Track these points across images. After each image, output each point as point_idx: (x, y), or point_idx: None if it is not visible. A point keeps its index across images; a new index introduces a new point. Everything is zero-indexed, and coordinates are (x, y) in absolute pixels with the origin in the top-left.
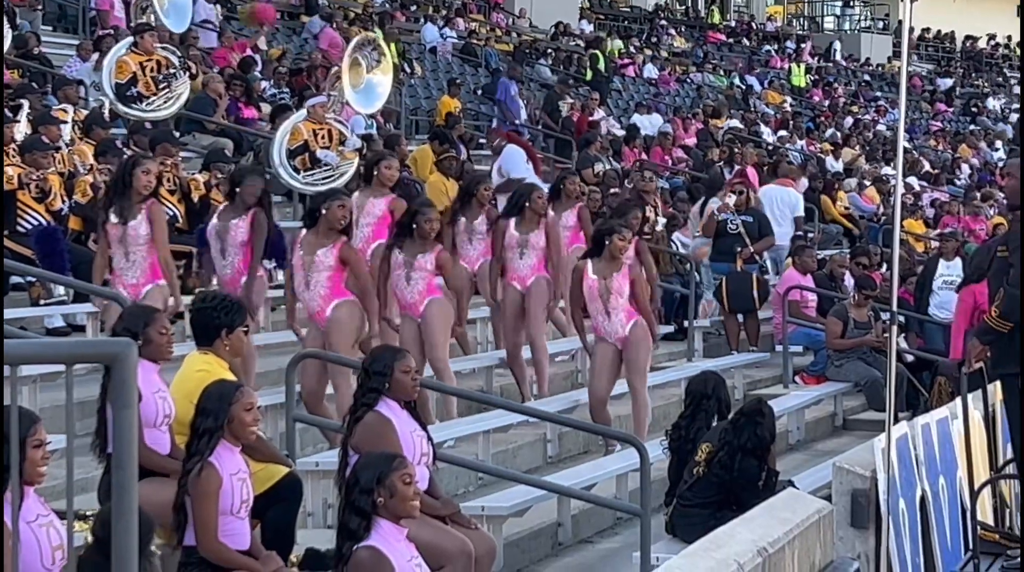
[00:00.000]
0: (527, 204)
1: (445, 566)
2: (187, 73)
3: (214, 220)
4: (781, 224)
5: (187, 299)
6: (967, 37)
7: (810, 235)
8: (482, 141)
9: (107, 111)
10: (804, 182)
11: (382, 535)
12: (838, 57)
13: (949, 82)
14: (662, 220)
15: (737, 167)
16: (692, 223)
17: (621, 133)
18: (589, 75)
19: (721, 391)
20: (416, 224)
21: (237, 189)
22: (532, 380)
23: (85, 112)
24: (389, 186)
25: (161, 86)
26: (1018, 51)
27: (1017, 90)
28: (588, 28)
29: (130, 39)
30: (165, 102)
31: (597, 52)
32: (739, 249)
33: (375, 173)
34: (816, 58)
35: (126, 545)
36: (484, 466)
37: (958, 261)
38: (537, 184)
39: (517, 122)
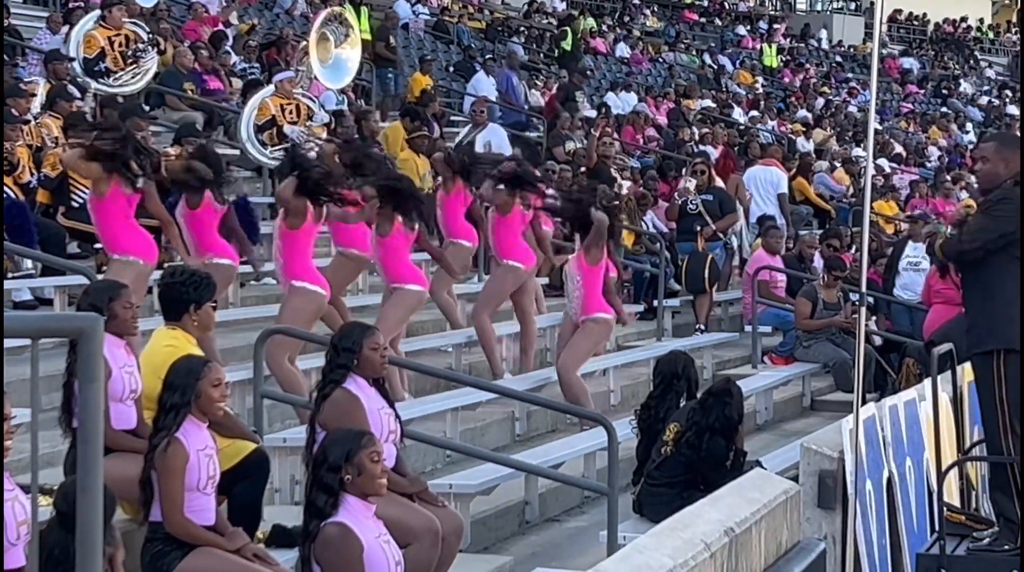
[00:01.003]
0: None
1: (412, 543)
2: (155, 48)
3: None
4: (766, 203)
5: (155, 274)
6: (946, 20)
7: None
8: (454, 118)
9: (91, 92)
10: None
11: (350, 511)
12: (824, 44)
13: (912, 62)
14: (626, 184)
15: (705, 147)
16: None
17: (592, 113)
18: (557, 52)
19: (690, 371)
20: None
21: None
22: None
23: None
24: None
25: (129, 61)
26: (990, 34)
27: (988, 73)
28: (560, 6)
29: (97, 12)
30: (132, 77)
31: (567, 29)
32: (699, 228)
33: None
34: (789, 39)
35: (91, 520)
36: (452, 444)
37: (924, 243)
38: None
39: (522, 111)
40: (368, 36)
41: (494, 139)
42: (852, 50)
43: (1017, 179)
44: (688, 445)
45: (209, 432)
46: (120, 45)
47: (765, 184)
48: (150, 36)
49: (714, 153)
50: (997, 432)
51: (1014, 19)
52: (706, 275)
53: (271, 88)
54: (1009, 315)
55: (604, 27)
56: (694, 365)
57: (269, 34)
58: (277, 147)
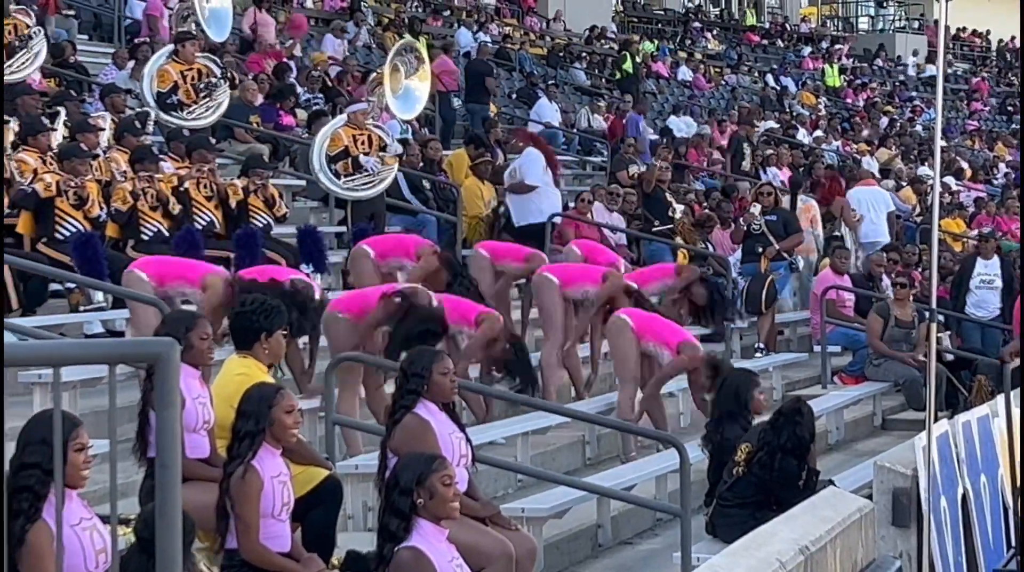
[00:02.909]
0: None
1: (486, 567)
2: (228, 83)
3: None
4: (876, 223)
5: None
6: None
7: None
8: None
9: (151, 121)
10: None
11: (423, 536)
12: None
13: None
14: (680, 207)
15: (769, 169)
16: None
17: (654, 136)
18: (618, 76)
19: (741, 388)
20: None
21: None
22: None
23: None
24: None
25: (202, 94)
26: None
27: None
28: (614, 30)
29: (171, 47)
30: (206, 110)
31: (626, 54)
32: (761, 249)
33: None
34: (852, 59)
35: (170, 544)
36: (523, 468)
37: (996, 260)
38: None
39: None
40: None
41: (524, 164)
42: (917, 68)
43: None
44: (760, 465)
45: (283, 459)
46: (193, 79)
47: (877, 204)
48: (223, 70)
49: (779, 174)
50: None
51: None
52: (763, 297)
53: (342, 118)
54: None
55: (665, 51)
56: (748, 382)
57: (334, 64)
58: (351, 177)
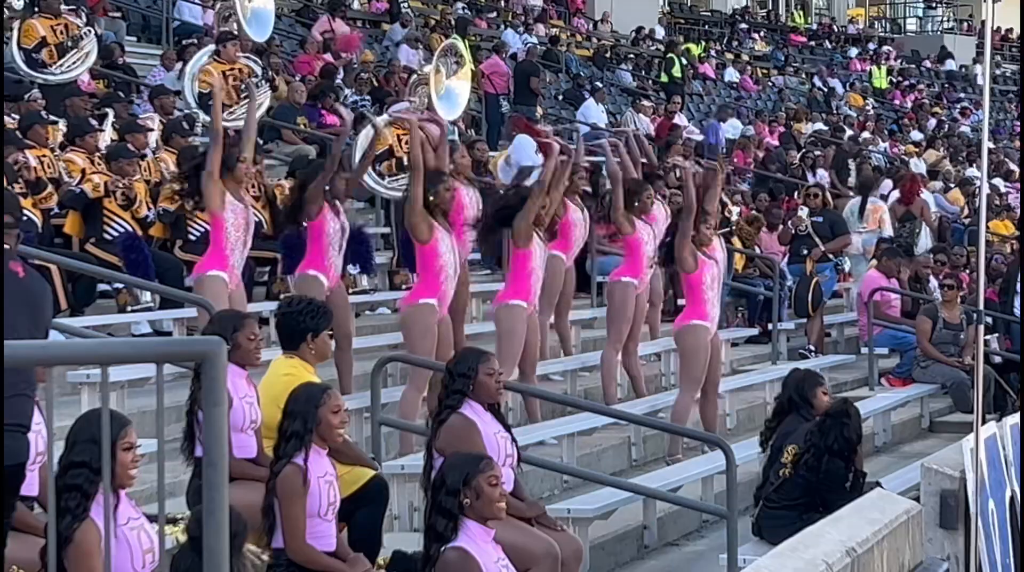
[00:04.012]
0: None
1: (532, 568)
2: (268, 83)
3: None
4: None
5: (272, 304)
6: None
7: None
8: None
9: (200, 122)
10: (888, 183)
11: (470, 536)
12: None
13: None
14: (736, 209)
15: (820, 171)
16: (849, 221)
17: (700, 137)
18: (664, 79)
19: (805, 389)
20: None
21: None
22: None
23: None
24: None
25: (243, 96)
26: None
27: None
28: (663, 32)
29: (212, 47)
30: (246, 111)
31: (673, 56)
32: (806, 251)
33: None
34: (899, 60)
35: (217, 541)
36: (569, 468)
37: None
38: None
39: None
40: (473, 67)
41: (515, 152)
42: (963, 70)
43: None
44: (807, 467)
45: (329, 459)
46: (234, 80)
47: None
48: (263, 70)
49: (826, 176)
50: None
51: None
52: (810, 298)
53: (384, 118)
54: None
55: (712, 52)
56: (813, 379)
57: (379, 66)
58: (394, 177)
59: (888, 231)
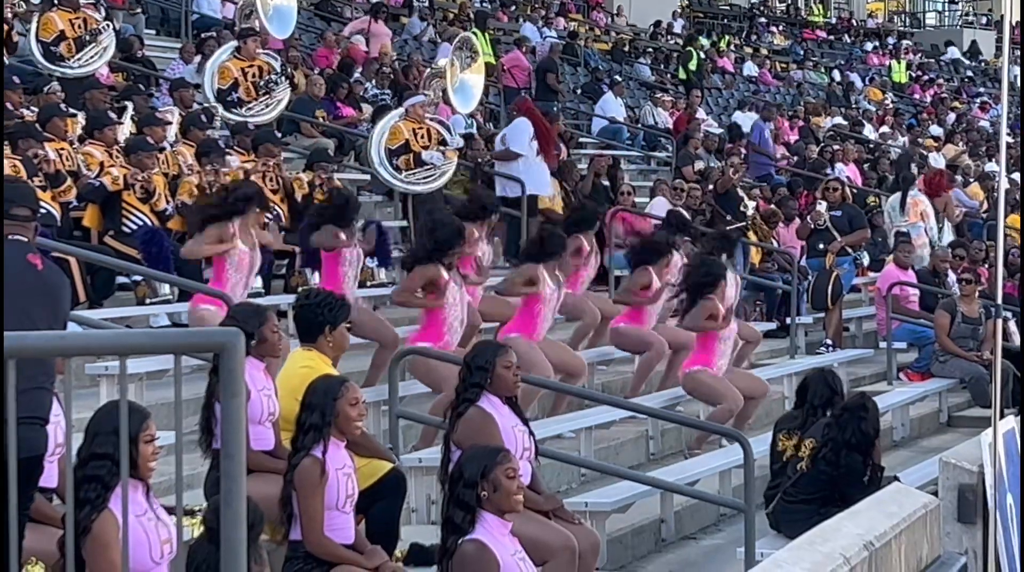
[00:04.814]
0: None
1: (549, 561)
2: (288, 80)
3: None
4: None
5: (290, 297)
6: None
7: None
8: (582, 139)
9: (218, 116)
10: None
11: (487, 529)
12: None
13: None
14: (751, 203)
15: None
16: (891, 215)
17: (719, 131)
18: (683, 74)
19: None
20: None
21: None
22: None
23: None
24: None
25: (261, 92)
26: None
27: None
28: (679, 27)
29: (233, 44)
30: (265, 107)
31: (691, 50)
32: (822, 245)
33: None
34: (919, 55)
35: (235, 532)
36: (587, 462)
37: None
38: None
39: (772, 162)
40: (491, 60)
41: (511, 131)
42: (984, 64)
43: None
44: (825, 461)
45: (347, 451)
46: (253, 76)
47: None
48: (283, 67)
49: (846, 170)
50: None
51: None
52: (829, 292)
53: (400, 111)
54: None
55: (732, 46)
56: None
57: (399, 59)
58: (411, 171)
59: (932, 224)
